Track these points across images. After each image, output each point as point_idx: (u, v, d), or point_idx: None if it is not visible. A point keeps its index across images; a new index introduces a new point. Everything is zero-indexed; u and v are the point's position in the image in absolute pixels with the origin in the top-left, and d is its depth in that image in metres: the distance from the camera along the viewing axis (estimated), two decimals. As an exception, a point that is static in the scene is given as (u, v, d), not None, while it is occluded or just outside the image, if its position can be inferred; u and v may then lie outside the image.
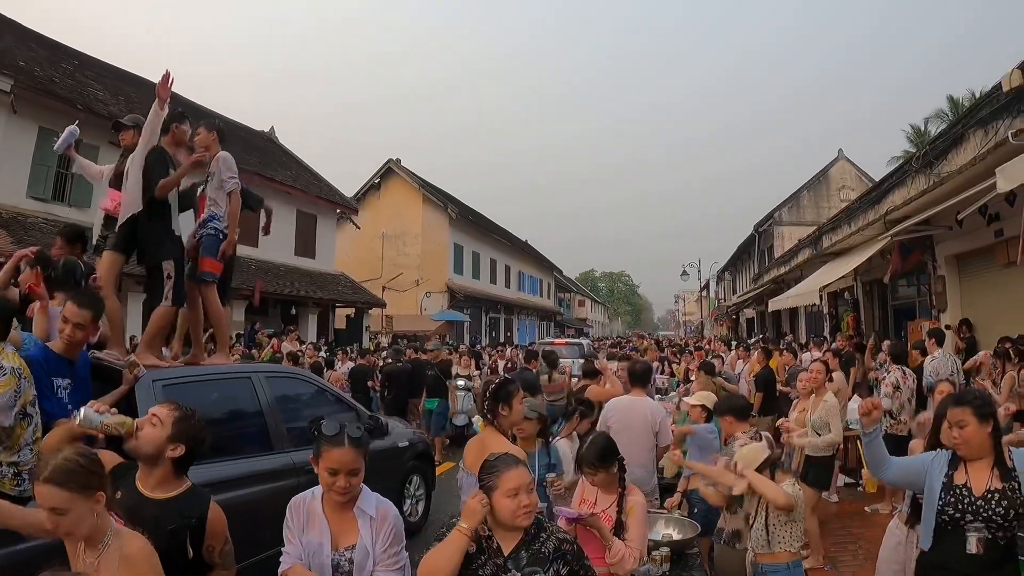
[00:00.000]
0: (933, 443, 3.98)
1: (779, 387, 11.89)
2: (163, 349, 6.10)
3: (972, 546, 3.51)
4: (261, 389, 5.90)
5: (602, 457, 4.18)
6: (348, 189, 35.69)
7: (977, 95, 12.73)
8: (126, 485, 3.16)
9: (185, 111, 6.59)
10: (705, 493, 5.15)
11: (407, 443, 8.32)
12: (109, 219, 6.15)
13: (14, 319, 4.46)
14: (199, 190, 6.48)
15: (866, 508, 8.45)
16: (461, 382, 14.34)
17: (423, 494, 8.61)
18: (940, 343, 9.96)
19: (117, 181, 6.11)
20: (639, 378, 7.01)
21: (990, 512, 3.45)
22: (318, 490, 3.22)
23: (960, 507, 3.54)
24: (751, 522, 4.54)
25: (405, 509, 8.07)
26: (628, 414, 6.45)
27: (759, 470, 4.49)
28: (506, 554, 2.98)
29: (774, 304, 22.17)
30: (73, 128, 6.52)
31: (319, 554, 3.10)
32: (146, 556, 2.75)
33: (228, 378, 5.92)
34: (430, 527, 8.19)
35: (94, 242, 6.47)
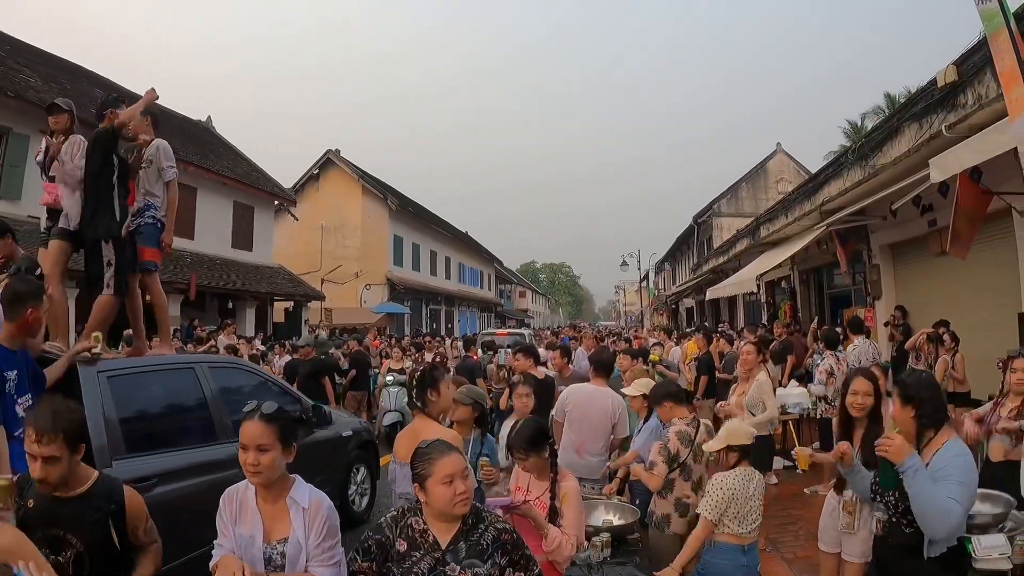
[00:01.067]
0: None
1: (717, 372, 12.07)
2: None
3: (873, 526, 3.74)
4: (205, 380, 5.83)
5: (532, 442, 4.11)
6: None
7: (913, 92, 13.05)
8: (34, 493, 3.06)
9: (121, 96, 6.47)
10: (637, 472, 5.21)
11: (351, 432, 8.32)
12: (52, 211, 6.04)
13: None
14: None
15: (805, 490, 8.55)
16: (391, 377, 13.74)
17: (368, 486, 8.61)
18: (857, 332, 10.24)
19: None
20: (603, 367, 6.99)
21: (886, 497, 3.59)
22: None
23: (876, 488, 3.74)
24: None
25: (350, 499, 8.11)
26: (588, 403, 6.47)
27: (735, 450, 4.58)
28: (443, 547, 2.90)
29: (712, 292, 22.47)
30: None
31: (251, 546, 2.99)
32: (22, 539, 2.68)
33: (172, 369, 5.87)
34: (375, 518, 8.07)
35: (41, 234, 6.32)
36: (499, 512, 4.01)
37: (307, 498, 3.09)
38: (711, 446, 4.76)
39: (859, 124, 36.81)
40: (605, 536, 4.66)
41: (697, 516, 4.63)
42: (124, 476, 4.37)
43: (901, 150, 9.76)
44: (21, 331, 4.30)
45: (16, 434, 3.87)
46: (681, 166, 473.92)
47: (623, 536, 4.95)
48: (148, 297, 6.44)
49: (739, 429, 4.68)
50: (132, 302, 6.13)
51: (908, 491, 3.37)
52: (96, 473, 3.20)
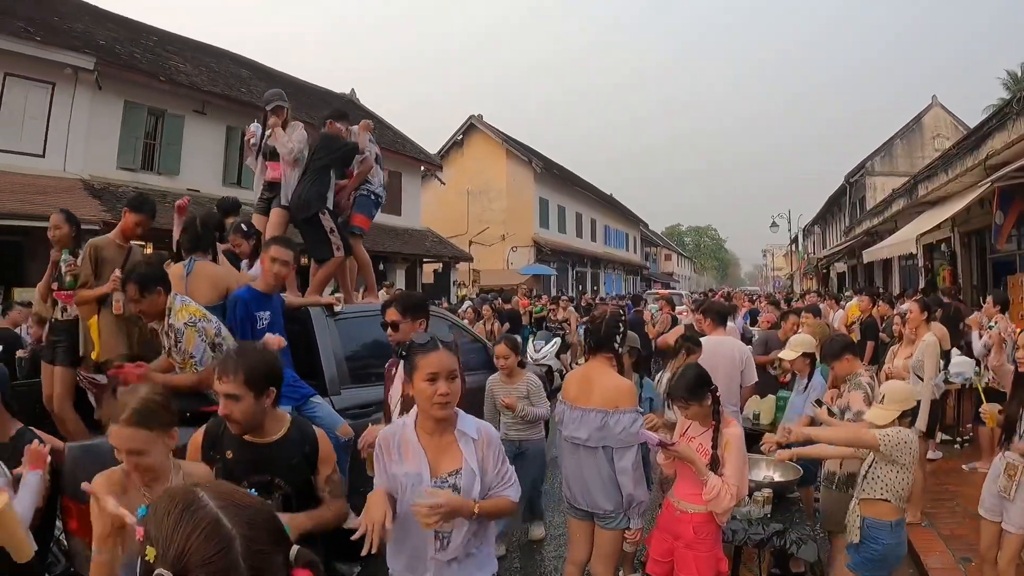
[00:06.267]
0: None
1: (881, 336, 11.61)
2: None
3: None
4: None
5: (692, 390, 4.02)
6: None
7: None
8: (231, 442, 3.15)
9: (345, 109, 7.70)
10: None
11: None
12: (272, 185, 7.17)
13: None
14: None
15: (964, 466, 8.18)
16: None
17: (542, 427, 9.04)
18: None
19: (274, 155, 7.08)
20: (721, 318, 6.96)
21: None
22: (409, 419, 3.11)
23: None
24: (870, 466, 4.29)
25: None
26: (714, 353, 6.26)
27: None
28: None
29: (868, 255, 21.73)
30: (257, 124, 7.42)
31: (418, 483, 2.93)
32: (211, 479, 2.84)
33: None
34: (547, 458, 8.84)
35: (256, 203, 7.45)
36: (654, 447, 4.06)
37: (475, 429, 3.09)
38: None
39: (1020, 75, 34.73)
40: (767, 491, 4.63)
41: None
42: (350, 403, 5.34)
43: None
44: (266, 278, 5.04)
45: None
46: (771, 126, 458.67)
47: (783, 493, 4.89)
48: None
49: (900, 392, 4.37)
50: (344, 261, 7.07)
51: None
52: (289, 418, 3.29)
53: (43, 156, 15.81)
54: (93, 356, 5.39)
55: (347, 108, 27.52)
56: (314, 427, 3.38)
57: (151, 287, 4.33)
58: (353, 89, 31.58)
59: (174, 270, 5.07)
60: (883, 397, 4.30)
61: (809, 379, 6.09)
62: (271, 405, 3.15)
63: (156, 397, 2.69)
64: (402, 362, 3.22)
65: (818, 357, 6.26)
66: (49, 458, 3.33)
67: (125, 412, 2.58)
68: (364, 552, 2.72)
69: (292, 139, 6.91)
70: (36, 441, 3.45)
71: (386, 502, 2.89)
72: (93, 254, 5.56)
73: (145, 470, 2.62)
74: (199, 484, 1.34)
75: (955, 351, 9.39)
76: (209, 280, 5.22)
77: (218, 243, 6.16)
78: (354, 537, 2.77)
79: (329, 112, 7.32)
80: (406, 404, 3.87)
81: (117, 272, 5.27)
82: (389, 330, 4.61)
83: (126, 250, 5.74)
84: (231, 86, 21.14)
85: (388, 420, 4.32)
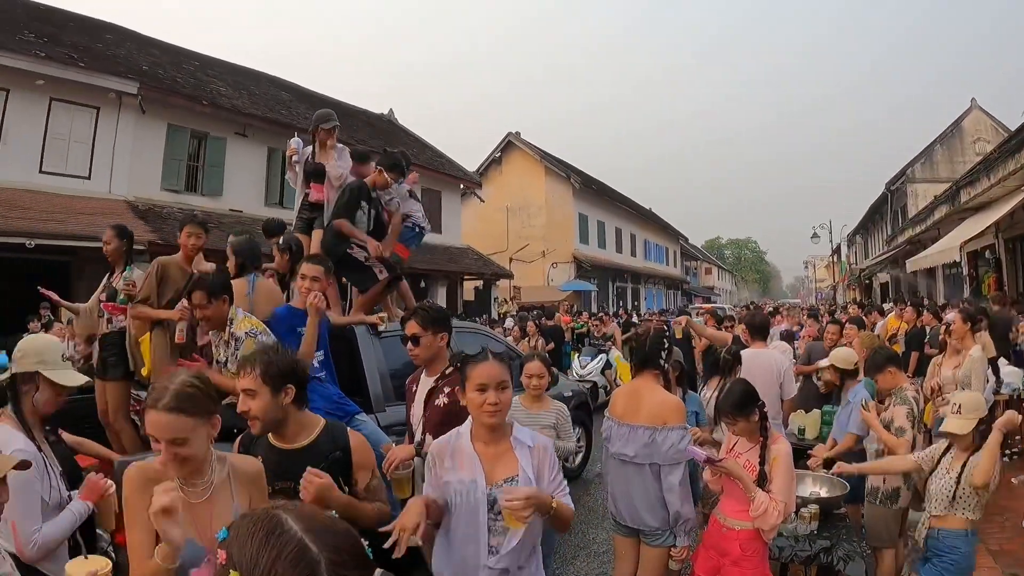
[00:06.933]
0: None
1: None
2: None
3: None
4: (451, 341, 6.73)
5: (739, 406, 4.03)
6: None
7: None
8: (260, 446, 3.16)
9: (369, 153, 7.69)
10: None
11: (571, 393, 8.83)
12: (314, 206, 7.17)
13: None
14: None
15: (1013, 479, 8.04)
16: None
17: (583, 443, 9.08)
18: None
19: (319, 177, 7.09)
20: (759, 330, 6.87)
21: None
22: (464, 428, 3.13)
23: None
24: (957, 484, 4.21)
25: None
26: (751, 366, 6.18)
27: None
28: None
29: (911, 264, 21.42)
30: (298, 139, 7.52)
31: (472, 491, 2.96)
32: (262, 474, 2.83)
33: None
34: (588, 474, 9.10)
35: (295, 221, 7.51)
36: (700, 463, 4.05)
37: (531, 438, 3.12)
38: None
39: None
40: (814, 508, 4.56)
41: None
42: (394, 420, 5.27)
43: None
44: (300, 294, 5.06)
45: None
46: (806, 129, 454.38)
47: (830, 510, 4.81)
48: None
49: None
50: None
51: None
52: (323, 422, 3.28)
53: (89, 178, 16.22)
54: (144, 372, 5.46)
55: (387, 127, 28.15)
56: (350, 432, 3.36)
57: (218, 294, 4.53)
58: (391, 109, 31.87)
59: (238, 286, 5.14)
60: (959, 407, 4.27)
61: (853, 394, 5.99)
62: (293, 406, 3.12)
63: (196, 382, 2.55)
64: (423, 377, 3.27)
65: (862, 370, 6.21)
66: (110, 491, 3.30)
67: (164, 397, 2.43)
68: (396, 555, 2.65)
69: (341, 164, 7.04)
70: (101, 475, 3.44)
71: (423, 511, 2.86)
72: (159, 271, 5.65)
73: (184, 461, 2.48)
74: (281, 506, 1.34)
75: (1003, 360, 9.24)
76: (269, 296, 5.47)
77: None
78: (384, 534, 2.78)
79: (380, 160, 7.23)
80: (428, 422, 3.89)
81: (185, 303, 5.23)
82: (409, 344, 4.20)
83: (189, 274, 5.79)
84: (272, 108, 21.57)
85: (411, 439, 4.25)
